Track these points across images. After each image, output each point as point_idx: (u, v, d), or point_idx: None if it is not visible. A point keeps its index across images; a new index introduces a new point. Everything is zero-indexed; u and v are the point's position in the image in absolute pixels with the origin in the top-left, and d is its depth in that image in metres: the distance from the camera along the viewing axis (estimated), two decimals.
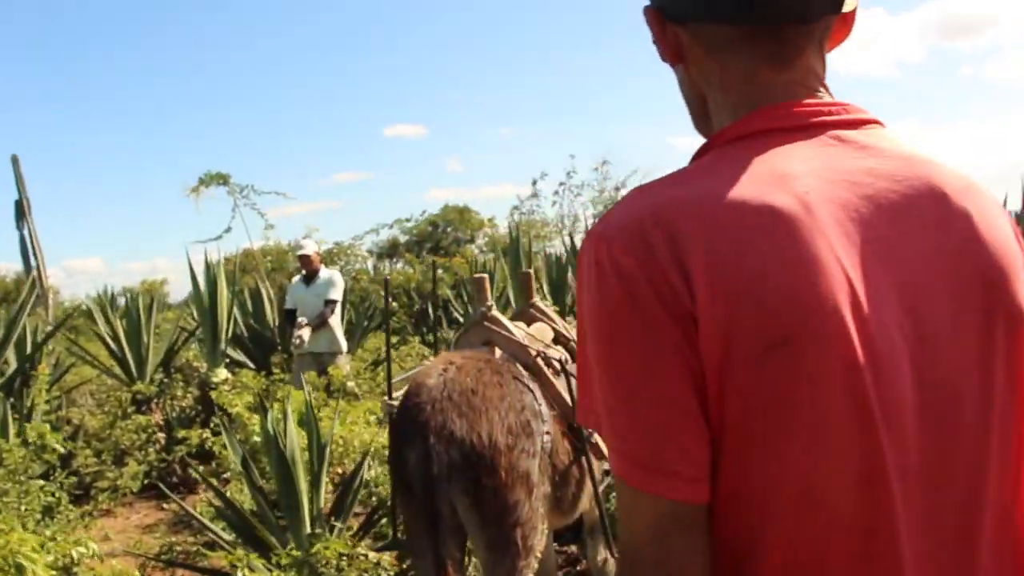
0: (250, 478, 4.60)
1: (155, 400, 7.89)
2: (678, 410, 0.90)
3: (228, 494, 5.65)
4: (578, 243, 16.84)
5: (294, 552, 3.79)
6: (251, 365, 8.59)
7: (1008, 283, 0.98)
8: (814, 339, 0.88)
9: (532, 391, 2.93)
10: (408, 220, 21.07)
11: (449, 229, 21.91)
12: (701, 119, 1.12)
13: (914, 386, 0.92)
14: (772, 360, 0.88)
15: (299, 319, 7.70)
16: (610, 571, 3.82)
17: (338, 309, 7.96)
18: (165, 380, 8.06)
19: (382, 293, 13.12)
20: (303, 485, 4.37)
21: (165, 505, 6.64)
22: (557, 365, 3.14)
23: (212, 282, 8.07)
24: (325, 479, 4.59)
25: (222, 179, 14.05)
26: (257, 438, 6.29)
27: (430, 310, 12.94)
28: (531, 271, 3.64)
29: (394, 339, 11.76)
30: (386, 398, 3.44)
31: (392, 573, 3.89)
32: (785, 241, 0.90)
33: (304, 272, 8.00)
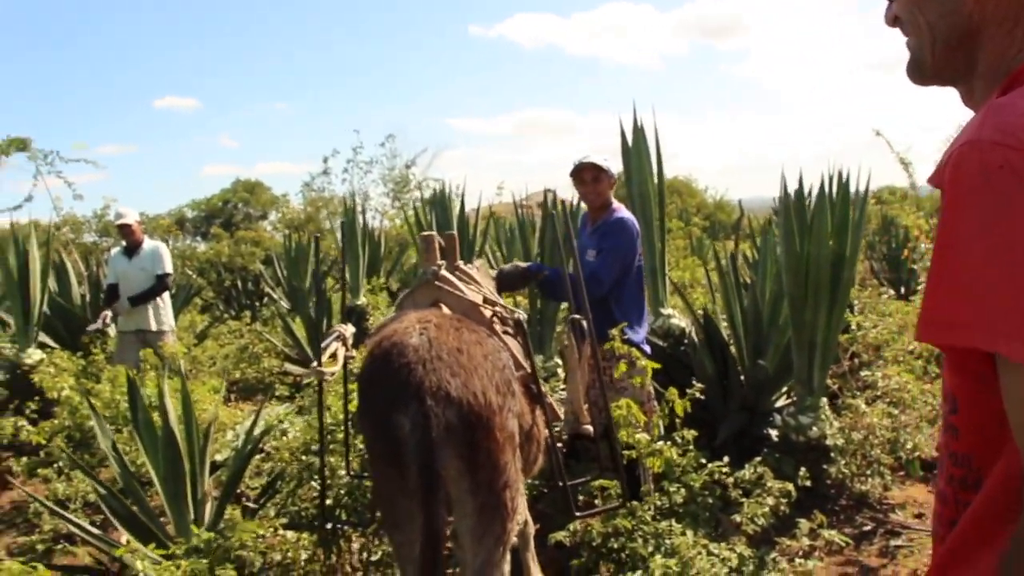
0: (123, 462, 4.19)
1: None
2: None
3: (60, 488, 5.16)
4: (370, 220, 16.79)
5: (205, 535, 3.48)
6: (55, 346, 7.82)
7: None
8: None
9: (508, 348, 2.84)
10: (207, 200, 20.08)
11: (240, 205, 20.94)
12: (954, 46, 1.17)
13: None
14: None
15: (121, 295, 7.12)
16: (530, 532, 3.80)
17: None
18: None
19: (186, 270, 12.43)
20: (187, 467, 4.04)
21: None
22: (513, 325, 3.06)
23: (22, 254, 7.25)
24: (208, 460, 4.26)
25: (21, 145, 12.49)
26: (91, 422, 5.78)
27: (239, 285, 12.39)
28: (454, 232, 3.51)
29: (207, 317, 11.14)
30: (315, 364, 3.24)
31: (310, 552, 3.68)
32: None
33: (125, 244, 7.37)
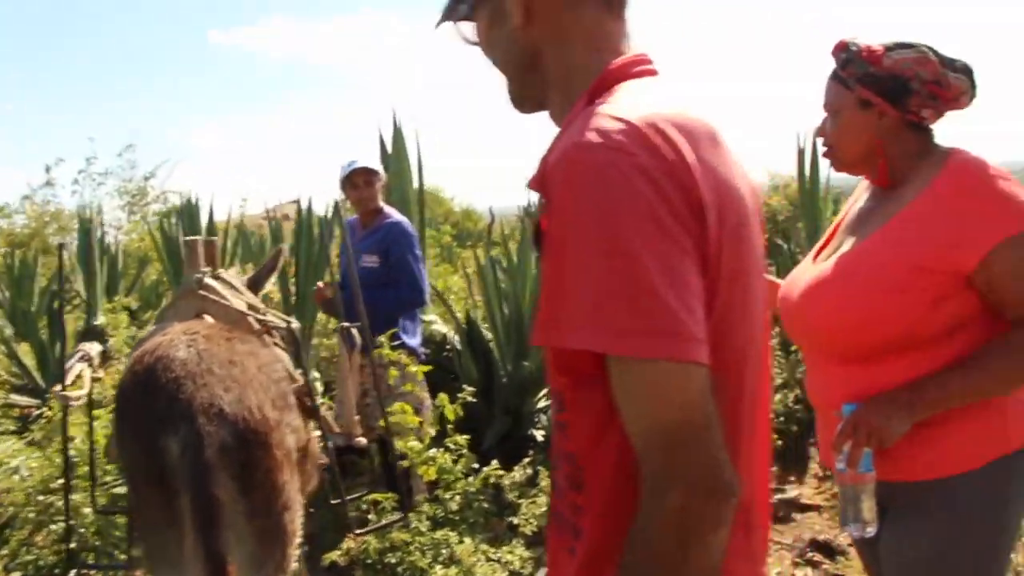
0: None
1: None
2: (699, 289, 1.04)
3: None
4: (106, 235, 15.62)
5: None
6: None
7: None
8: (749, 221, 1.16)
9: (281, 359, 2.67)
10: None
11: None
12: (527, 72, 1.27)
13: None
14: (739, 237, 1.11)
15: None
16: None
17: None
18: None
19: None
20: None
21: None
22: (287, 334, 2.89)
23: None
24: None
25: None
26: None
27: None
28: (215, 239, 3.27)
29: None
30: (58, 388, 2.90)
31: None
32: (721, 150, 1.16)
33: None
